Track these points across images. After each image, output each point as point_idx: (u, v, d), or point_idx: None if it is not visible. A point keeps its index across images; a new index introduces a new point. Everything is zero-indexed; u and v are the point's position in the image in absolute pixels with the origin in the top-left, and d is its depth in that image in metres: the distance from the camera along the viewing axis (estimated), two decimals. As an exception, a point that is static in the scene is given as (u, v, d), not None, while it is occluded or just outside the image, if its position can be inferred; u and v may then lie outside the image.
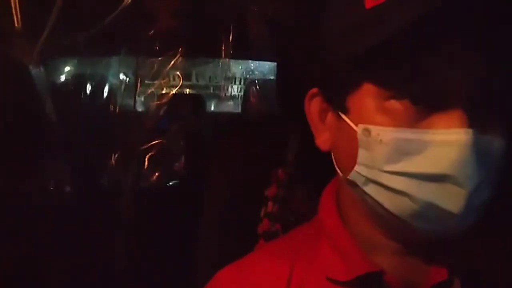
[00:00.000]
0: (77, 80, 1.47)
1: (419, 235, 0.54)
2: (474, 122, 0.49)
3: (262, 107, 1.52)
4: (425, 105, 0.50)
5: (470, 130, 0.49)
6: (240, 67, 1.74)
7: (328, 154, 0.63)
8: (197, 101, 1.67)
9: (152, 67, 1.57)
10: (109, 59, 1.52)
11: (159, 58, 1.56)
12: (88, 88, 1.47)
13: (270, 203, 0.91)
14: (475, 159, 0.49)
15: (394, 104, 0.51)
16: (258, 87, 1.57)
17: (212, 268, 0.70)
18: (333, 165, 0.63)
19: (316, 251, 0.62)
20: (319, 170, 0.69)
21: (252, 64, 1.74)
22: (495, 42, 0.50)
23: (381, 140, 0.51)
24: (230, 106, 1.73)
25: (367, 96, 0.53)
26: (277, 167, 0.96)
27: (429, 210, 0.51)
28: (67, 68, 1.43)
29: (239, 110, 1.65)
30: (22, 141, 1.25)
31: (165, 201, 1.45)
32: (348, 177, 0.56)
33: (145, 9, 1.50)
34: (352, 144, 0.54)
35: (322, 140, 0.61)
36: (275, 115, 1.36)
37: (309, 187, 0.97)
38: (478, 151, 0.49)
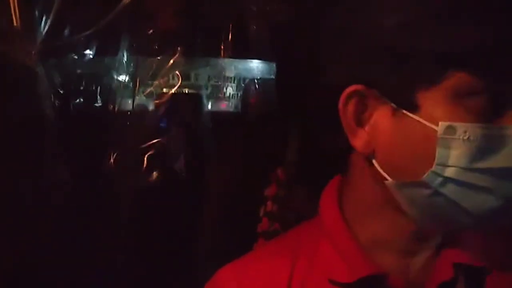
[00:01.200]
0: (76, 80, 1.46)
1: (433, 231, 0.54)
2: None
3: (261, 107, 1.52)
4: (503, 99, 0.50)
5: None
6: (240, 66, 1.73)
7: (327, 154, 0.62)
8: (196, 101, 1.66)
9: (151, 67, 1.57)
10: (108, 59, 1.52)
11: (158, 58, 1.55)
12: (87, 87, 1.47)
13: (269, 203, 0.91)
14: None
15: (475, 100, 0.50)
16: (257, 86, 1.56)
17: (212, 267, 0.69)
18: (332, 165, 0.62)
19: (317, 251, 0.61)
20: (319, 170, 0.69)
21: (251, 64, 1.74)
22: None
23: (468, 138, 0.50)
24: (229, 106, 1.73)
25: (445, 93, 0.51)
26: (276, 166, 0.96)
27: (508, 205, 0.51)
28: (65, 68, 1.42)
29: (239, 109, 1.65)
30: (22, 141, 1.25)
31: (164, 200, 1.45)
32: (421, 179, 0.53)
33: (144, 8, 1.50)
34: (420, 144, 0.52)
35: (362, 143, 0.57)
36: (275, 114, 1.35)
37: (309, 187, 0.97)
38: None
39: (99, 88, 1.49)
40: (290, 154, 0.98)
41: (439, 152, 0.51)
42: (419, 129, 0.52)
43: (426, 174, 0.52)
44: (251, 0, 1.62)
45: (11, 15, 1.24)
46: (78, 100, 1.44)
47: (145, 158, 1.47)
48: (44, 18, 1.29)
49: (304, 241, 0.64)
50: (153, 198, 1.45)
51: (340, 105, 0.57)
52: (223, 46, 1.61)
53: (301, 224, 0.69)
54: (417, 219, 0.55)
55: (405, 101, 0.53)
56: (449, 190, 0.52)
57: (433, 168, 0.52)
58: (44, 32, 1.29)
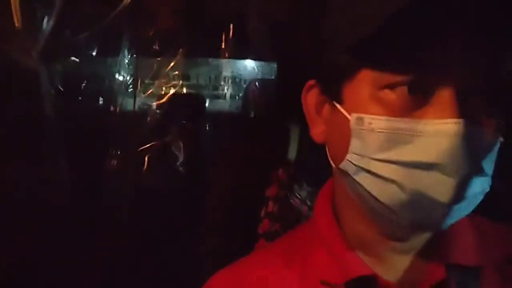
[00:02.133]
0: (77, 80, 1.46)
1: (409, 226, 0.54)
2: (467, 113, 0.49)
3: (262, 107, 1.52)
4: (419, 94, 0.51)
5: (461, 121, 0.49)
6: (240, 67, 1.73)
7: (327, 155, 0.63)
8: (197, 101, 1.66)
9: (152, 67, 1.57)
10: (108, 59, 1.52)
11: (159, 58, 1.56)
12: (88, 88, 1.47)
13: (270, 203, 0.91)
14: (465, 150, 0.49)
15: (388, 93, 0.51)
16: (258, 87, 1.56)
17: (214, 267, 0.69)
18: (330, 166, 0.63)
19: (311, 254, 0.62)
20: (319, 170, 0.69)
21: (252, 64, 1.74)
22: (495, 34, 0.50)
23: (373, 129, 0.51)
24: (230, 106, 1.73)
25: (362, 86, 0.53)
26: (277, 167, 0.96)
27: (417, 199, 0.51)
28: (66, 68, 1.43)
29: (239, 110, 1.65)
30: (23, 141, 1.25)
31: (165, 201, 1.45)
32: (339, 167, 0.56)
33: (145, 8, 1.50)
34: (345, 134, 0.54)
35: (317, 132, 0.61)
36: (276, 115, 1.36)
37: (309, 187, 0.97)
38: (469, 143, 0.49)
39: (100, 88, 1.50)
40: (290, 154, 0.98)
41: (352, 141, 0.54)
42: (342, 120, 0.55)
43: (343, 162, 0.55)
44: (251, 0, 1.62)
45: (12, 16, 1.24)
46: (79, 101, 1.44)
47: (146, 159, 1.47)
48: (45, 19, 1.30)
49: (298, 245, 0.65)
50: (154, 199, 1.45)
51: (302, 97, 0.62)
52: (224, 47, 1.62)
53: (298, 227, 0.70)
54: (362, 208, 0.57)
55: (335, 94, 0.57)
56: (362, 179, 0.53)
57: (347, 156, 0.55)
58: (45, 33, 1.29)
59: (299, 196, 0.95)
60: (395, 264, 0.59)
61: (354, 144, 0.54)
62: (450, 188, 0.49)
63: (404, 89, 0.51)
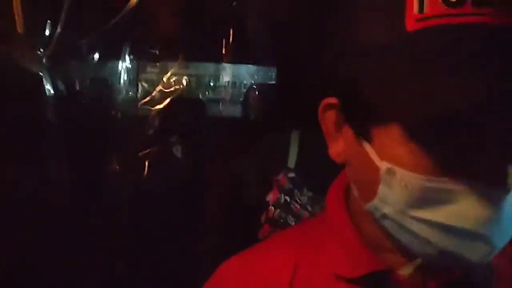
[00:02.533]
0: (79, 83, 1.47)
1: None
2: (505, 177, 0.46)
3: (262, 112, 1.52)
4: (460, 155, 0.47)
5: (504, 187, 0.46)
6: (241, 71, 1.74)
7: (328, 159, 0.62)
8: (197, 105, 1.67)
9: (152, 72, 1.58)
10: (110, 64, 1.52)
11: (159, 63, 1.56)
12: (89, 91, 1.47)
13: (271, 209, 0.91)
14: (504, 217, 0.47)
15: (423, 147, 0.47)
16: (258, 91, 1.57)
17: (212, 273, 0.70)
18: (334, 170, 0.62)
19: (322, 246, 0.61)
20: (320, 175, 0.69)
21: (253, 68, 1.74)
22: None
23: (406, 185, 0.48)
24: (231, 110, 1.73)
25: (395, 132, 0.48)
26: (277, 172, 0.96)
27: (448, 256, 0.49)
28: (68, 72, 1.43)
29: (239, 114, 1.65)
30: (25, 143, 1.25)
31: (165, 205, 1.45)
32: (365, 207, 0.53)
33: (146, 14, 1.51)
34: (373, 175, 0.50)
35: (338, 151, 0.55)
36: (276, 119, 1.36)
37: (310, 192, 0.97)
38: (507, 207, 0.47)
39: (101, 92, 1.50)
40: (291, 159, 0.98)
41: (381, 188, 0.50)
42: (370, 159, 0.51)
43: (368, 204, 0.52)
44: (252, 5, 1.62)
45: (15, 20, 1.24)
46: (80, 104, 1.44)
47: (147, 163, 1.47)
48: (47, 24, 1.30)
49: (309, 236, 0.63)
50: (154, 203, 1.45)
51: (319, 112, 0.56)
52: (224, 51, 1.62)
53: (309, 219, 0.69)
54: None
55: (362, 129, 0.52)
56: (390, 226, 0.51)
57: (375, 201, 0.51)
58: (47, 37, 1.29)
59: (299, 201, 0.95)
60: (408, 264, 0.56)
61: (384, 192, 0.50)
62: (487, 253, 0.48)
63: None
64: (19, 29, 1.22)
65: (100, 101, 1.48)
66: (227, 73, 1.71)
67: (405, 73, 0.46)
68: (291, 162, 1.08)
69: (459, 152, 0.46)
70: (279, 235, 0.71)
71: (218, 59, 1.65)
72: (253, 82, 1.71)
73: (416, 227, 0.49)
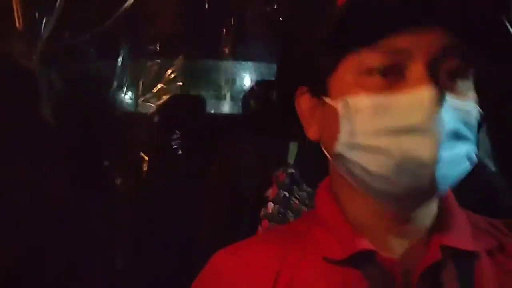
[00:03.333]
0: (78, 82, 1.47)
1: (404, 196, 0.57)
2: (440, 83, 0.54)
3: (262, 108, 1.52)
4: (393, 74, 0.55)
5: (432, 87, 0.53)
6: (241, 68, 1.74)
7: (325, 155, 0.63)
8: (197, 103, 1.67)
9: (152, 69, 1.58)
10: (109, 61, 1.52)
11: (159, 60, 1.56)
12: (89, 89, 1.48)
13: (270, 204, 0.91)
14: (441, 111, 0.53)
15: (367, 78, 0.56)
16: (258, 88, 1.57)
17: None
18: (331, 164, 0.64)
19: (312, 236, 0.64)
20: (319, 171, 0.70)
21: (252, 66, 1.74)
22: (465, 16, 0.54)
23: (357, 109, 0.56)
24: (231, 107, 1.73)
25: (344, 76, 0.58)
26: (277, 168, 0.97)
27: (403, 163, 0.55)
28: (66, 70, 1.43)
29: (240, 111, 1.65)
30: (22, 142, 1.26)
31: (165, 202, 1.45)
32: (334, 152, 0.60)
33: (146, 10, 1.51)
34: (336, 122, 0.59)
35: (312, 130, 0.65)
36: (275, 116, 1.36)
37: (309, 188, 0.97)
38: (447, 107, 0.53)
39: (100, 90, 1.50)
40: (290, 156, 0.98)
41: (341, 125, 0.58)
42: (331, 111, 0.60)
43: (337, 146, 0.59)
44: (252, 2, 1.62)
45: (13, 18, 1.25)
46: (79, 102, 1.44)
47: (146, 160, 1.47)
48: (45, 21, 1.30)
49: (300, 228, 0.67)
50: (154, 199, 1.46)
51: (295, 103, 0.66)
52: (224, 49, 1.62)
53: (299, 217, 0.72)
54: (360, 191, 0.61)
55: (322, 89, 0.62)
56: (356, 156, 0.58)
57: (340, 138, 0.59)
58: (45, 35, 1.30)
59: (298, 197, 0.95)
60: (394, 247, 0.61)
61: (343, 126, 0.58)
62: (432, 148, 0.53)
63: (377, 72, 0.56)
64: (18, 24, 1.22)
65: (100, 98, 1.48)
66: (227, 70, 1.71)
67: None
68: (290, 158, 1.08)
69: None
70: (270, 230, 0.74)
71: (219, 56, 1.65)
72: (254, 78, 1.71)
73: (371, 140, 0.56)
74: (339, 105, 0.58)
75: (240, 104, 1.64)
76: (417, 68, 0.55)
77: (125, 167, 1.49)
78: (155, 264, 1.40)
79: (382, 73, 0.56)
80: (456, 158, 0.56)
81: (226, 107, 1.73)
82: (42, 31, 1.30)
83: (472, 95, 0.58)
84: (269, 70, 1.69)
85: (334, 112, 0.59)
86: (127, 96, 1.55)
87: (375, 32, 0.55)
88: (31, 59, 1.29)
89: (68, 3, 1.29)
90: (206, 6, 1.58)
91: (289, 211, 0.94)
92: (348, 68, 0.58)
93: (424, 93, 0.54)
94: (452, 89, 0.56)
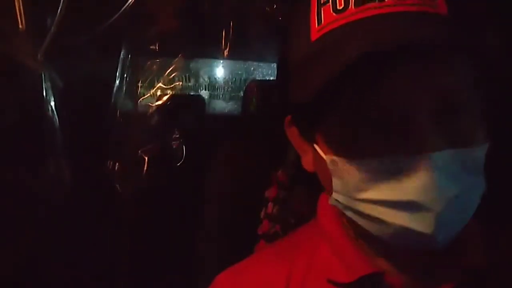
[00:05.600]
0: (78, 81, 1.47)
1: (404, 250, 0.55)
2: (441, 139, 0.49)
3: (262, 108, 1.52)
4: (388, 130, 0.50)
5: (433, 155, 0.48)
6: (241, 67, 1.74)
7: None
8: (197, 102, 1.67)
9: (152, 68, 1.58)
10: (109, 60, 1.52)
11: (159, 59, 1.56)
12: (89, 89, 1.47)
13: (270, 205, 0.91)
14: (442, 181, 0.49)
15: (358, 133, 0.51)
16: (258, 87, 1.57)
17: (213, 269, 0.70)
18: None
19: (315, 253, 0.62)
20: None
21: (252, 65, 1.74)
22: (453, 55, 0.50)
23: (348, 171, 0.52)
24: (230, 107, 1.73)
25: (331, 128, 0.53)
26: (277, 168, 0.96)
27: (404, 233, 0.51)
28: (68, 69, 1.43)
29: (239, 111, 1.65)
30: (24, 141, 1.25)
31: (165, 202, 1.45)
32: (329, 203, 0.57)
33: (146, 10, 1.51)
34: (327, 171, 0.55)
35: (307, 161, 0.61)
36: (276, 116, 1.36)
37: (309, 189, 0.97)
38: (446, 169, 0.49)
39: (101, 89, 1.50)
40: (290, 156, 0.98)
41: (333, 180, 0.54)
42: (322, 158, 0.55)
43: (331, 199, 0.56)
44: (251, 1, 1.62)
45: (16, 18, 1.24)
46: (80, 102, 1.44)
47: (146, 160, 1.47)
48: (48, 21, 1.30)
49: (302, 244, 0.65)
50: (153, 199, 1.46)
51: (285, 129, 0.62)
52: (224, 48, 1.62)
53: (300, 227, 0.70)
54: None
55: (310, 135, 0.57)
56: (351, 215, 0.55)
57: (333, 194, 0.55)
58: (48, 34, 1.30)
59: (299, 198, 0.95)
60: (404, 267, 0.58)
61: (335, 183, 0.54)
62: (432, 220, 0.49)
63: (372, 127, 0.50)
64: (21, 25, 1.22)
65: (100, 98, 1.48)
66: (227, 69, 1.71)
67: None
68: (291, 158, 1.08)
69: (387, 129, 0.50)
70: (272, 245, 0.73)
71: (218, 55, 1.65)
72: (253, 78, 1.71)
73: (366, 208, 0.52)
74: (327, 161, 0.54)
75: (240, 104, 1.64)
76: (416, 125, 0.49)
77: (124, 167, 1.49)
78: (155, 264, 1.40)
79: (375, 127, 0.50)
80: (461, 213, 0.52)
81: (226, 107, 1.73)
82: (45, 30, 1.29)
83: (480, 123, 0.52)
84: (269, 70, 1.69)
85: (324, 162, 0.55)
86: (127, 96, 1.55)
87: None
88: (32, 59, 1.29)
89: (69, 3, 1.29)
90: (206, 6, 1.58)
91: (289, 212, 0.94)
92: (335, 121, 0.53)
93: (423, 164, 0.48)
94: (456, 129, 0.50)
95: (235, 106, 1.69)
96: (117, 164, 1.46)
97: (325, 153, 0.54)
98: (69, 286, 1.35)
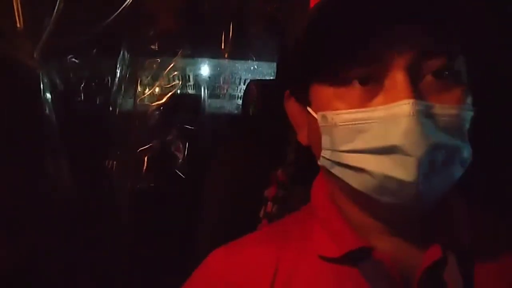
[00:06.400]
0: (77, 80, 1.47)
1: (392, 209, 0.56)
2: (424, 92, 0.52)
3: (261, 108, 1.52)
4: (371, 84, 0.54)
5: (411, 101, 0.51)
6: (240, 67, 1.74)
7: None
8: (196, 102, 1.67)
9: (151, 68, 1.58)
10: (108, 60, 1.52)
11: (158, 59, 1.56)
12: (88, 88, 1.48)
13: (269, 204, 0.91)
14: (421, 127, 0.51)
15: (346, 89, 0.55)
16: (258, 87, 1.57)
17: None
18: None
19: (308, 233, 0.64)
20: (318, 171, 0.70)
21: (252, 64, 1.75)
22: (436, 13, 0.52)
23: (336, 123, 0.55)
24: (230, 107, 1.73)
25: (322, 86, 0.57)
26: (276, 167, 0.97)
27: (387, 182, 0.53)
28: (66, 69, 1.43)
29: (239, 110, 1.65)
30: (23, 141, 1.25)
31: (164, 201, 1.45)
32: (318, 163, 0.60)
33: (145, 9, 1.51)
34: (319, 133, 0.58)
35: (303, 135, 0.64)
36: (275, 115, 1.36)
37: (308, 188, 0.97)
38: (427, 119, 0.51)
39: (99, 89, 1.50)
40: (290, 155, 0.98)
41: (322, 138, 0.58)
42: (314, 121, 0.59)
43: (320, 159, 0.59)
44: (251, 0, 1.62)
45: (14, 16, 1.24)
46: (79, 101, 1.44)
47: (145, 159, 1.47)
48: (46, 20, 1.30)
49: (295, 224, 0.68)
50: (152, 199, 1.46)
51: (284, 106, 0.66)
52: (223, 47, 1.62)
53: (294, 212, 0.72)
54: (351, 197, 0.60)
55: (304, 98, 0.61)
56: (338, 172, 0.57)
57: (322, 152, 0.59)
58: (46, 34, 1.29)
59: (298, 197, 0.95)
60: (391, 244, 0.60)
61: (324, 140, 0.57)
62: (413, 166, 0.51)
63: (356, 82, 0.54)
64: (19, 24, 1.22)
65: (99, 97, 1.48)
66: (226, 69, 1.71)
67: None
68: (290, 158, 1.08)
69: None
70: (267, 227, 0.74)
71: (218, 54, 1.65)
72: (253, 77, 1.71)
73: (352, 159, 0.54)
74: (318, 118, 0.58)
75: (239, 103, 1.64)
76: (396, 77, 0.52)
77: (122, 166, 1.49)
78: (155, 264, 1.40)
79: (361, 83, 0.54)
80: (443, 170, 0.53)
81: (226, 107, 1.73)
82: (43, 29, 1.29)
83: (464, 89, 0.55)
84: (269, 70, 1.69)
85: (316, 122, 0.58)
86: (126, 96, 1.55)
87: (347, 36, 0.53)
88: (30, 58, 1.29)
89: (68, 2, 1.29)
90: (206, 6, 1.58)
91: (288, 211, 0.94)
92: (327, 78, 0.56)
93: (403, 109, 0.51)
94: (439, 90, 0.53)
95: (235, 106, 1.69)
96: (116, 163, 1.46)
97: (316, 112, 0.58)
98: (69, 286, 1.35)
